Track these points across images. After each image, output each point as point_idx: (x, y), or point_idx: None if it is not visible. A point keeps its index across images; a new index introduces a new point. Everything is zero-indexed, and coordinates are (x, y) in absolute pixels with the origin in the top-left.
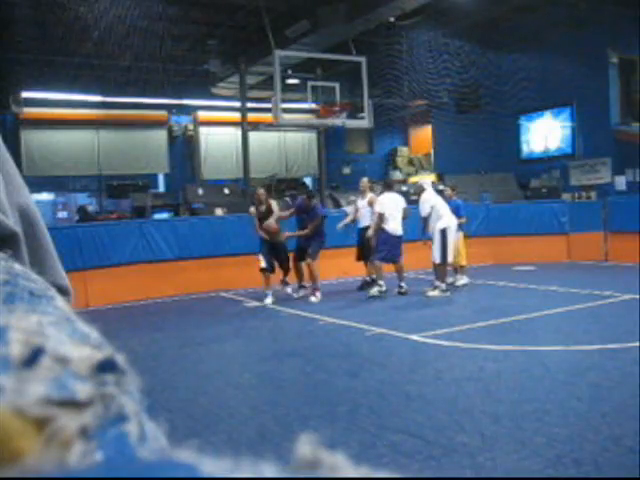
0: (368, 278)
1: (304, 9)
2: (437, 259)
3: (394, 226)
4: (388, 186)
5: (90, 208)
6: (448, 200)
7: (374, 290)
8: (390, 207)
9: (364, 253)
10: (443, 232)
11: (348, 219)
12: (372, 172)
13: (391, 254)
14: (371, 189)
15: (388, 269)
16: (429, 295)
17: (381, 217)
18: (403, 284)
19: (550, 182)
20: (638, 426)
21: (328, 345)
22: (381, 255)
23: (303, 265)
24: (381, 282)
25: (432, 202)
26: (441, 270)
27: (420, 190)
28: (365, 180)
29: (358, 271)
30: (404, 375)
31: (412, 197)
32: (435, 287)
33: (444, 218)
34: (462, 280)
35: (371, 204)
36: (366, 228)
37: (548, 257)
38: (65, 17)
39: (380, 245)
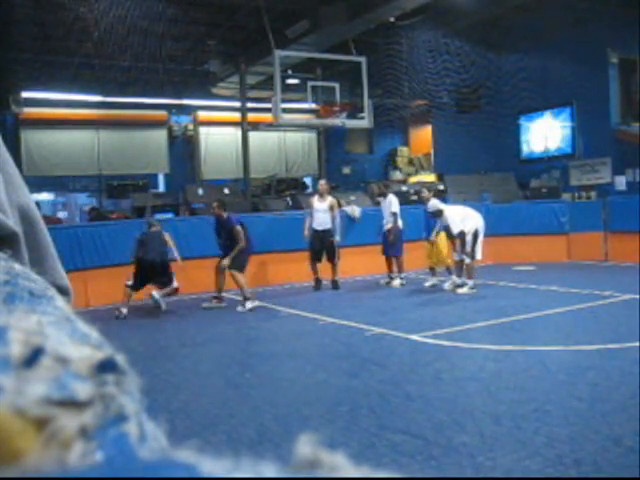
0: (319, 276)
1: (304, 9)
2: (466, 258)
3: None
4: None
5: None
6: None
7: (464, 289)
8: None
9: (319, 254)
10: (475, 233)
11: (307, 225)
12: (372, 172)
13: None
14: (329, 192)
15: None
16: (458, 292)
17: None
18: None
19: (550, 182)
20: (638, 426)
21: (328, 345)
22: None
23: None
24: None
25: (457, 215)
26: (470, 268)
27: (439, 212)
28: (323, 182)
29: (358, 271)
30: (404, 375)
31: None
32: (463, 285)
33: (473, 219)
34: (431, 281)
35: (332, 209)
36: (324, 231)
37: (548, 257)
38: (65, 17)
39: (400, 241)
